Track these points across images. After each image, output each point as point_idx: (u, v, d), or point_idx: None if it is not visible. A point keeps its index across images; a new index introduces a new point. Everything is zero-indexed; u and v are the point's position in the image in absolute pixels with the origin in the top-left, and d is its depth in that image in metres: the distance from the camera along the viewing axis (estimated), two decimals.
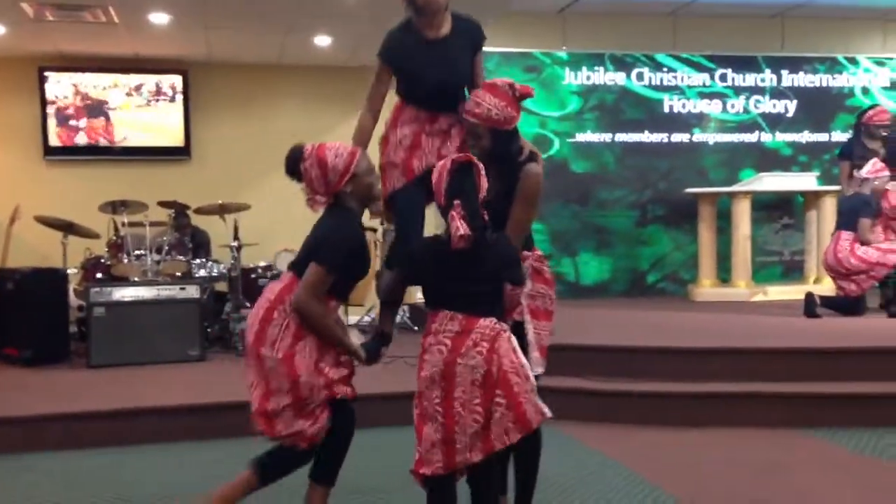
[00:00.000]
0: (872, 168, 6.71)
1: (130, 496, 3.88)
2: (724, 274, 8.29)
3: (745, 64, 9.07)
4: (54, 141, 8.88)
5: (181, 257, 6.96)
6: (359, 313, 7.58)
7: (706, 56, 9.00)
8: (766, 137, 9.12)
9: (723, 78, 9.04)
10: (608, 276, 8.82)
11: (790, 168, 9.02)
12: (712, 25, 8.91)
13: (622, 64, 8.86)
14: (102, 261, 6.89)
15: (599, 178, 8.81)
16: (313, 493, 3.07)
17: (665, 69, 8.94)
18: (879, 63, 9.28)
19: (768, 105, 9.13)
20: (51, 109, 8.86)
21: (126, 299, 6.24)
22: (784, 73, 9.12)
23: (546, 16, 8.56)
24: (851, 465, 4.14)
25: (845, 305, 6.68)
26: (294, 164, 3.01)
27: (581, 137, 8.78)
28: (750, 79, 9.09)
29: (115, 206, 7.11)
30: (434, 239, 2.85)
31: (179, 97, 9.15)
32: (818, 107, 9.17)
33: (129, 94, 9.05)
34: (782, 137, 9.14)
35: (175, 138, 9.21)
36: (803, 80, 9.16)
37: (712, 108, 9.04)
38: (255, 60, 9.16)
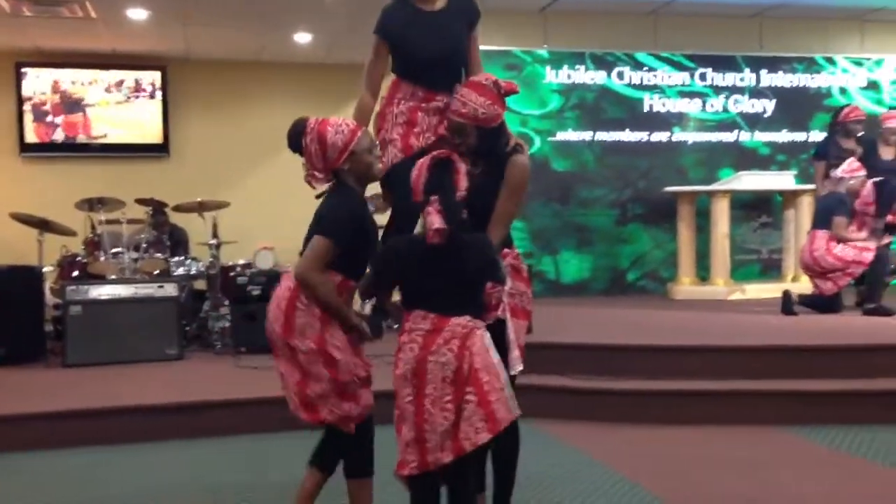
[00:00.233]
0: (848, 167, 6.77)
1: (107, 497, 3.84)
2: (703, 272, 8.33)
3: (725, 63, 9.11)
4: (31, 137, 8.80)
5: (159, 255, 6.91)
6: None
7: (686, 55, 9.04)
8: (745, 137, 9.17)
9: (702, 77, 9.08)
10: (588, 275, 8.84)
11: (768, 167, 9.07)
12: (692, 25, 8.95)
13: (603, 63, 8.88)
14: (79, 259, 6.83)
15: (580, 177, 8.83)
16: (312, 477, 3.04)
17: (645, 68, 8.97)
18: (857, 63, 9.36)
19: (747, 104, 9.18)
20: (27, 106, 8.77)
21: (103, 298, 6.17)
22: (763, 72, 9.17)
23: (527, 14, 8.57)
24: (829, 462, 4.17)
25: (822, 303, 6.73)
26: (296, 139, 2.97)
27: (561, 136, 8.79)
28: (729, 78, 9.14)
29: (91, 204, 7.05)
30: (408, 237, 2.83)
31: (159, 94, 9.08)
32: (796, 106, 9.24)
33: (108, 91, 8.98)
34: (761, 137, 9.20)
35: (153, 135, 9.15)
36: (782, 79, 9.22)
37: (692, 107, 9.08)
38: (235, 57, 9.12)
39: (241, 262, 7.30)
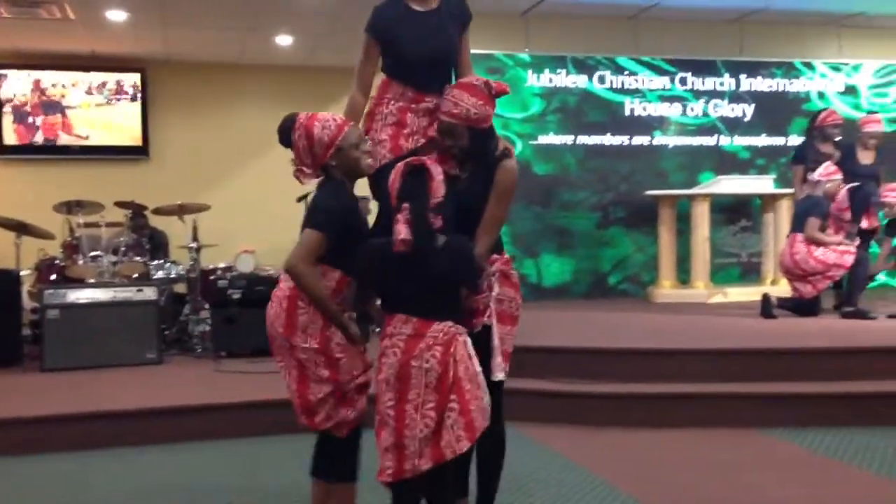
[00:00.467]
0: (825, 171, 6.82)
1: (90, 501, 3.80)
2: (683, 275, 8.37)
3: (705, 68, 9.17)
4: (10, 139, 8.71)
5: (138, 258, 6.86)
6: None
7: (667, 60, 9.09)
8: (725, 141, 9.23)
9: (683, 81, 9.13)
10: (570, 278, 8.86)
11: (748, 171, 9.13)
12: (673, 30, 9.00)
13: (584, 66, 8.91)
14: (57, 262, 6.76)
15: (561, 180, 8.85)
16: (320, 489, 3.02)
17: (626, 72, 9.01)
18: (835, 68, 9.45)
19: (727, 109, 9.24)
20: (7, 108, 8.68)
21: (81, 301, 6.12)
22: (742, 77, 9.24)
23: (509, 17, 8.58)
24: (808, 465, 4.20)
25: (801, 306, 6.79)
26: (286, 134, 2.96)
27: (543, 139, 8.81)
28: (709, 83, 9.19)
29: (70, 207, 6.99)
30: (385, 240, 2.82)
31: (140, 96, 9.03)
32: (775, 111, 9.30)
33: (89, 93, 8.91)
34: (740, 141, 9.26)
35: (133, 137, 9.08)
36: (761, 84, 9.29)
37: (672, 111, 9.13)
38: (215, 59, 9.07)
39: (222, 265, 7.25)
